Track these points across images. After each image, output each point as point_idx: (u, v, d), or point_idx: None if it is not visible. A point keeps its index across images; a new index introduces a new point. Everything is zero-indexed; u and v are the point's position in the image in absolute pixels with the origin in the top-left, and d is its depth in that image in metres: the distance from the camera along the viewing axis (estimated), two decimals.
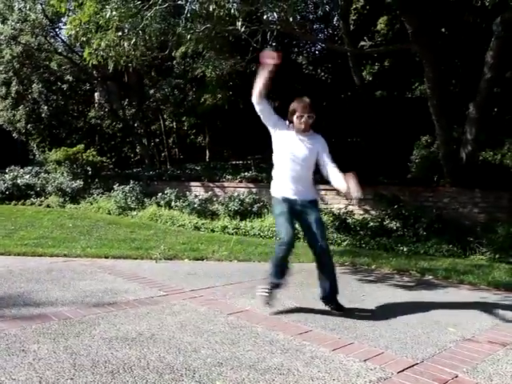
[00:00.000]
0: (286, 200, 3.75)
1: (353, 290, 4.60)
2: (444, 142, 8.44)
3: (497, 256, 6.68)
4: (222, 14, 5.39)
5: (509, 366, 2.75)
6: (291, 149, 3.74)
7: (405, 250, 7.25)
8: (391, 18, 12.15)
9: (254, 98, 3.74)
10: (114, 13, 5.20)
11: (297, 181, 3.76)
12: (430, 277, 5.41)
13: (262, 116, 3.81)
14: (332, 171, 3.74)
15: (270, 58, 3.65)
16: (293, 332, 3.23)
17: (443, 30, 11.02)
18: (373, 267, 5.94)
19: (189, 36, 6.13)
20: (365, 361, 2.76)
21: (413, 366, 2.72)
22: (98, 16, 5.34)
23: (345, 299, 4.21)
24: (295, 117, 3.74)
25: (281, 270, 3.72)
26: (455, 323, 3.53)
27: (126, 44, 5.50)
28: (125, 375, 2.46)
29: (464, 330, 3.38)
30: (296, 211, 3.76)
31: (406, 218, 8.22)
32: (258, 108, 3.77)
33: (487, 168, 8.76)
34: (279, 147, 3.81)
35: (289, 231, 3.64)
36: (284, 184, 3.78)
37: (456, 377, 2.59)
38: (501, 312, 3.93)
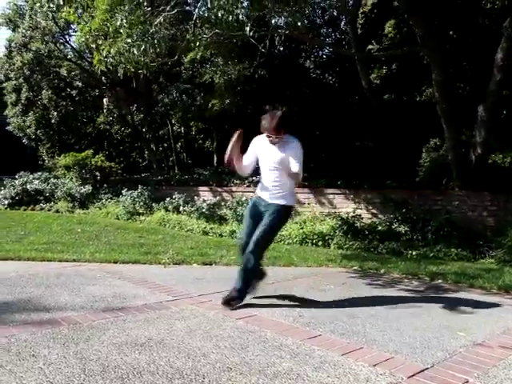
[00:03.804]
0: None
1: (361, 295, 4.58)
2: (453, 145, 8.40)
3: (507, 259, 6.62)
4: (230, 19, 5.41)
5: None
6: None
7: (414, 254, 7.21)
8: (399, 21, 12.12)
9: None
10: (124, 21, 5.24)
11: None
12: (440, 281, 5.37)
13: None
14: None
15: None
16: (302, 337, 3.23)
17: (451, 32, 10.97)
18: (381, 271, 5.91)
19: (198, 43, 6.16)
20: (374, 366, 2.75)
21: (423, 370, 2.70)
22: (107, 24, 5.39)
23: (354, 303, 4.20)
24: None
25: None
26: (465, 328, 3.50)
27: (135, 50, 5.53)
28: (134, 380, 2.47)
29: (474, 334, 3.35)
30: None
31: (415, 221, 8.18)
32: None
33: (497, 171, 8.69)
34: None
35: None
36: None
37: (467, 382, 2.57)
38: None
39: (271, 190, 4.01)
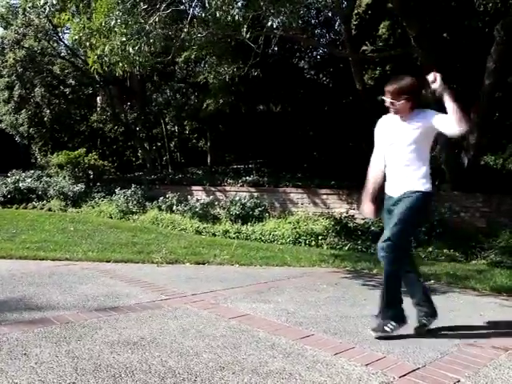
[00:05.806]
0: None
1: (354, 295, 4.59)
2: (446, 146, 8.45)
3: (498, 261, 6.67)
4: (228, 19, 5.41)
5: (511, 371, 2.74)
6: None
7: None
8: (393, 22, 12.16)
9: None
10: (119, 21, 5.23)
11: None
12: (432, 281, 5.40)
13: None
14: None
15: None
16: (295, 336, 3.23)
17: (445, 34, 11.04)
18: (374, 272, 5.92)
19: (192, 42, 6.16)
20: (366, 365, 2.76)
21: (415, 370, 2.72)
22: (102, 24, 5.37)
23: (346, 303, 4.22)
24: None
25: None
26: (457, 328, 3.52)
27: (130, 49, 5.51)
28: (127, 379, 2.46)
29: (466, 334, 3.37)
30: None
31: None
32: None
33: (489, 172, 8.76)
34: None
35: None
36: None
37: (458, 381, 2.59)
38: (503, 317, 3.93)
39: (403, 179, 3.37)
